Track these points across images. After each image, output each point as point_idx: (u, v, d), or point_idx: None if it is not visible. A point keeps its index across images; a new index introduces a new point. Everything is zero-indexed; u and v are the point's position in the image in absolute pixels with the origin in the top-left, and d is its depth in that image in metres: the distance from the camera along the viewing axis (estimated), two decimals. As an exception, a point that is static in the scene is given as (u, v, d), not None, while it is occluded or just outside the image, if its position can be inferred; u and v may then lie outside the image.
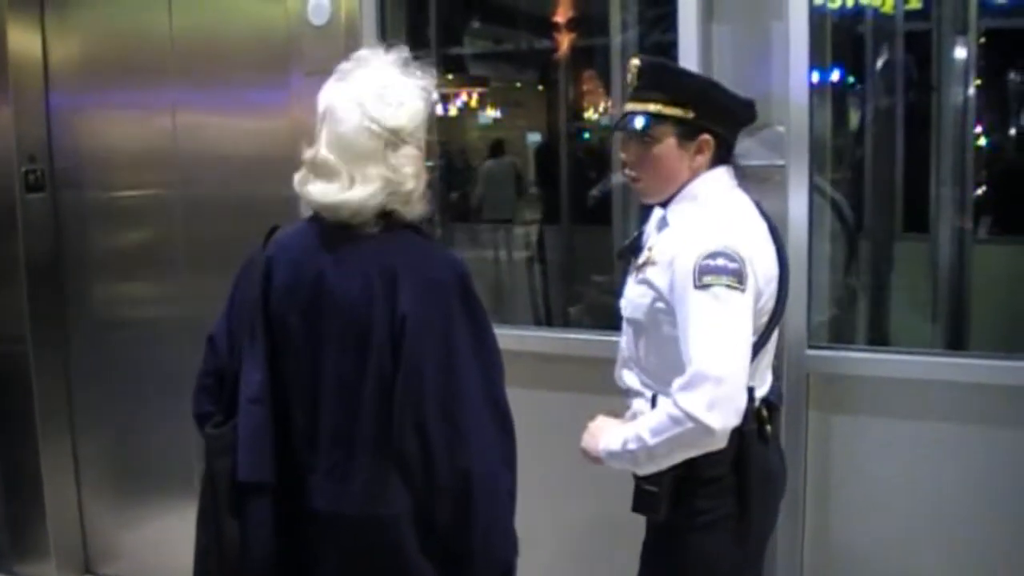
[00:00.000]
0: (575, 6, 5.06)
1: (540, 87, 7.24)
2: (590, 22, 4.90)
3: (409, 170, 1.73)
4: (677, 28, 2.48)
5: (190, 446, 3.03)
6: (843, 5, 3.34)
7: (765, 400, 2.00)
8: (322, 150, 1.72)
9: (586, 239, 4.99)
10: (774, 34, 2.42)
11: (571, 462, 2.10)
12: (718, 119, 1.98)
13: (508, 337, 2.00)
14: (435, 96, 1.81)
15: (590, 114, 6.27)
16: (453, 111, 7.80)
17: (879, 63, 3.56)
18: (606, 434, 1.95)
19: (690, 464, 1.87)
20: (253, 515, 1.75)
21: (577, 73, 5.67)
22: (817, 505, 2.50)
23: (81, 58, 3.48)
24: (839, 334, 2.87)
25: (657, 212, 2.09)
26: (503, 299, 5.09)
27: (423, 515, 1.70)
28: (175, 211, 3.39)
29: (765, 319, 1.95)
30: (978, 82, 3.67)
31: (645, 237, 2.11)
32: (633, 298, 2.02)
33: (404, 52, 1.78)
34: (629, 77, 2.04)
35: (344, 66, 1.77)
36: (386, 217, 1.74)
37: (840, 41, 3.25)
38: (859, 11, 3.43)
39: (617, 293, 2.14)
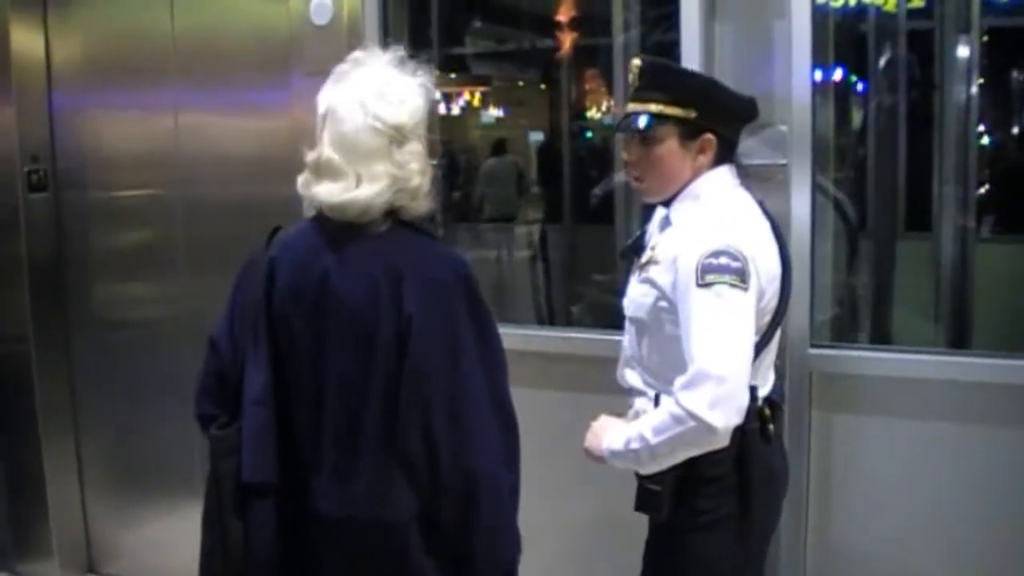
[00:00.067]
0: (577, 5, 5.06)
1: (542, 86, 7.23)
2: (592, 21, 4.90)
3: (415, 166, 1.73)
4: (679, 27, 2.48)
5: (192, 445, 3.03)
6: (846, 4, 3.34)
7: (767, 399, 2.00)
8: (326, 151, 1.72)
9: (588, 238, 4.98)
10: (776, 33, 2.42)
11: (574, 461, 2.10)
12: (720, 118, 1.98)
13: (511, 336, 2.00)
14: (435, 93, 1.82)
15: (592, 113, 6.25)
16: (456, 110, 7.80)
17: (882, 62, 3.55)
18: (609, 433, 1.95)
19: (692, 463, 1.87)
20: (257, 516, 1.75)
21: (579, 72, 5.66)
22: (820, 504, 2.50)
23: (83, 58, 3.49)
24: (842, 333, 2.88)
25: (660, 211, 2.09)
26: (505, 298, 5.08)
27: (427, 515, 1.70)
28: (177, 211, 3.40)
29: (768, 318, 1.95)
30: (981, 81, 3.65)
31: (648, 236, 2.11)
32: (636, 297, 2.02)
33: (400, 51, 1.79)
34: (630, 77, 2.04)
35: (341, 68, 1.77)
36: (393, 214, 1.74)
37: (843, 40, 3.25)
38: (862, 10, 3.43)
39: (619, 292, 2.13)
